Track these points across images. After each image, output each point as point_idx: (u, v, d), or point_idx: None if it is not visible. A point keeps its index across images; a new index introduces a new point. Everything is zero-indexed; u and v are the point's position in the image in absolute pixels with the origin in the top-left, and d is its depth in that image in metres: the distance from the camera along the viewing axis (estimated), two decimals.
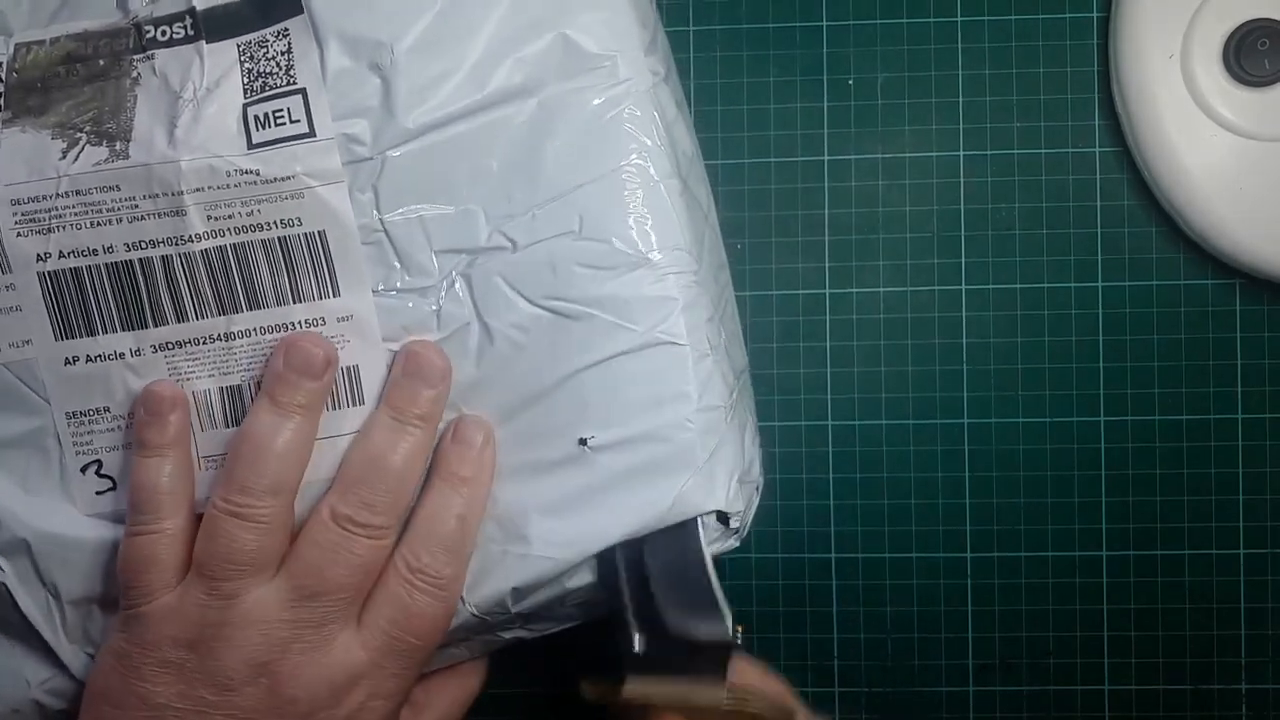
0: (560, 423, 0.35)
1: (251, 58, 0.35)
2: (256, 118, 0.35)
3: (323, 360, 0.34)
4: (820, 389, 0.45)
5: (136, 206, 0.35)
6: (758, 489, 0.38)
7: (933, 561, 0.45)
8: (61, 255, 0.35)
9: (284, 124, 0.35)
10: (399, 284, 0.35)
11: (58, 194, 0.35)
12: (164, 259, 0.35)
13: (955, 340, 0.45)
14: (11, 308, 0.35)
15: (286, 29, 0.35)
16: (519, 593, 0.35)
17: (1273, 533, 0.44)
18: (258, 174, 0.34)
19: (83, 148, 0.35)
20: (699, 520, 0.35)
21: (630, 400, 0.35)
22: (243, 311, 0.35)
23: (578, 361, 0.35)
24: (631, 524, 0.34)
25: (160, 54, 0.35)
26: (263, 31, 0.35)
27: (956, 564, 0.45)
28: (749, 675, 0.36)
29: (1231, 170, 0.42)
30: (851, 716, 0.45)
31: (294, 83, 0.35)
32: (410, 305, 0.35)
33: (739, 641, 0.35)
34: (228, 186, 0.34)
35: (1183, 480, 0.44)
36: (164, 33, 0.36)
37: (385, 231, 0.35)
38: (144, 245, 0.35)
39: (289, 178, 0.34)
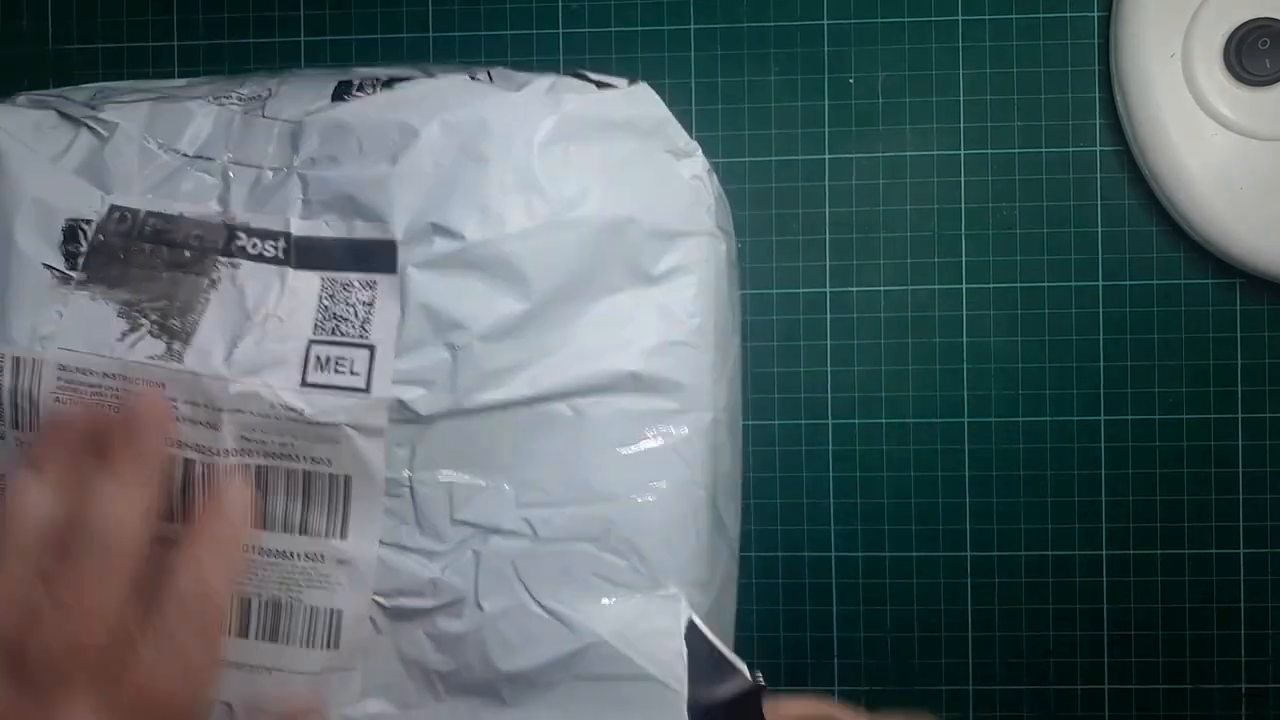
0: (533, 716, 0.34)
1: (332, 297, 0.34)
2: (319, 358, 0.34)
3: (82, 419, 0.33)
4: (820, 388, 0.45)
5: (176, 408, 0.34)
6: None
7: (933, 560, 0.45)
8: None
9: (344, 373, 0.34)
10: (408, 542, 0.34)
11: (105, 374, 0.34)
12: (186, 462, 0.34)
13: (955, 339, 0.45)
14: None
15: (375, 281, 0.34)
16: None
17: (1273, 533, 0.44)
18: (302, 414, 0.34)
19: (142, 336, 0.34)
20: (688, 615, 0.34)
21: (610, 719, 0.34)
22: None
23: (566, 670, 0.34)
24: None
25: (245, 265, 0.35)
26: (351, 275, 0.34)
27: (956, 563, 0.45)
28: (785, 708, 0.35)
29: (1231, 170, 0.42)
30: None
31: (366, 337, 0.34)
32: (411, 564, 0.34)
33: (762, 682, 0.34)
34: (269, 417, 0.34)
35: (1183, 480, 0.44)
36: (254, 245, 0.35)
37: (411, 489, 0.34)
38: (172, 444, 0.34)
39: (332, 425, 0.34)
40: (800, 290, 0.45)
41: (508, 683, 0.34)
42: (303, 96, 0.36)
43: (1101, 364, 0.44)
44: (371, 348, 0.34)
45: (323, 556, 0.34)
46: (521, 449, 0.34)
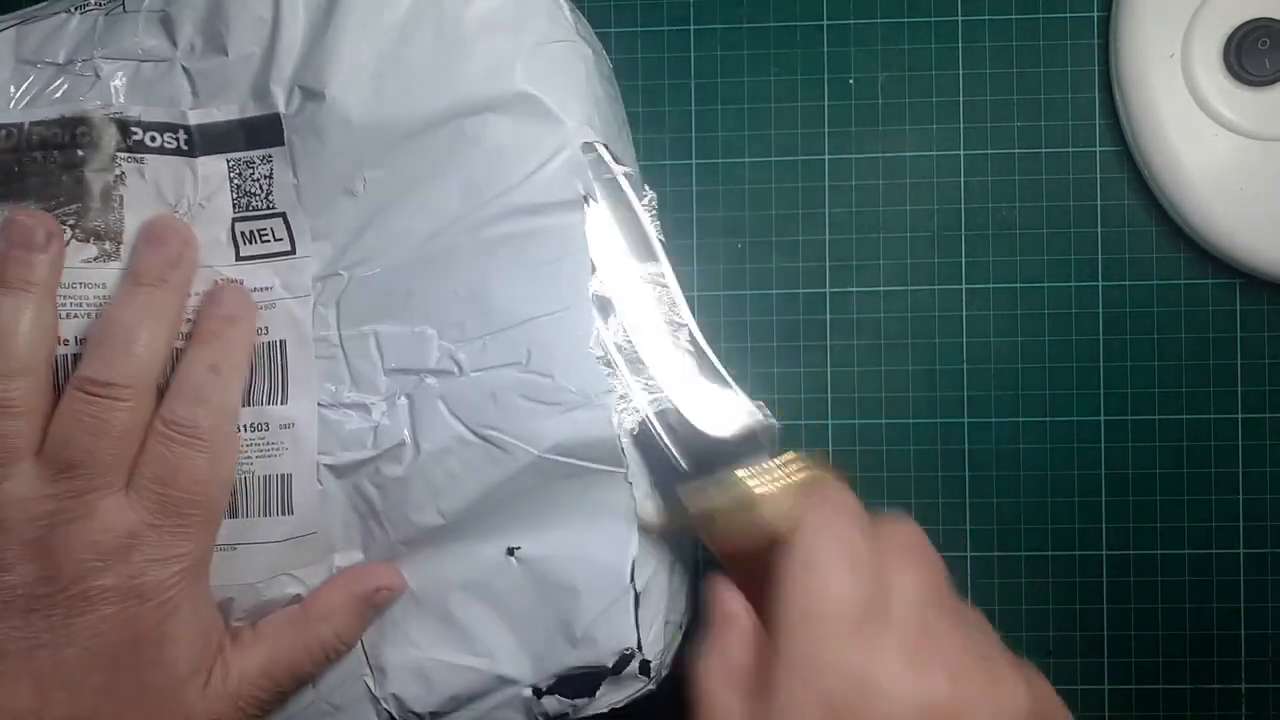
0: (490, 532, 0.35)
1: (240, 175, 0.36)
2: (244, 234, 0.36)
3: (43, 233, 0.35)
4: (820, 388, 0.45)
5: None
6: (681, 627, 0.38)
7: None
8: None
9: (269, 241, 0.36)
10: (345, 398, 0.36)
11: None
12: None
13: (955, 339, 0.45)
14: None
15: (270, 155, 0.36)
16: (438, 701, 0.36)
17: (1273, 533, 0.44)
18: (241, 284, 0.36)
19: (68, 241, 0.35)
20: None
21: (564, 522, 0.35)
22: None
23: (511, 488, 0.35)
24: (553, 639, 0.35)
25: (151, 160, 0.36)
26: (250, 154, 0.36)
27: (956, 563, 0.45)
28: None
29: (1231, 170, 0.42)
30: None
31: (273, 207, 0.36)
32: (351, 419, 0.36)
33: (769, 415, 0.35)
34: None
35: (1183, 480, 0.44)
36: (154, 139, 0.36)
37: (341, 347, 0.36)
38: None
39: (267, 289, 0.36)
40: (800, 291, 0.45)
41: (456, 515, 0.35)
42: None
43: (1101, 364, 0.44)
44: (282, 214, 0.36)
45: (267, 425, 0.36)
46: (435, 291, 0.35)
